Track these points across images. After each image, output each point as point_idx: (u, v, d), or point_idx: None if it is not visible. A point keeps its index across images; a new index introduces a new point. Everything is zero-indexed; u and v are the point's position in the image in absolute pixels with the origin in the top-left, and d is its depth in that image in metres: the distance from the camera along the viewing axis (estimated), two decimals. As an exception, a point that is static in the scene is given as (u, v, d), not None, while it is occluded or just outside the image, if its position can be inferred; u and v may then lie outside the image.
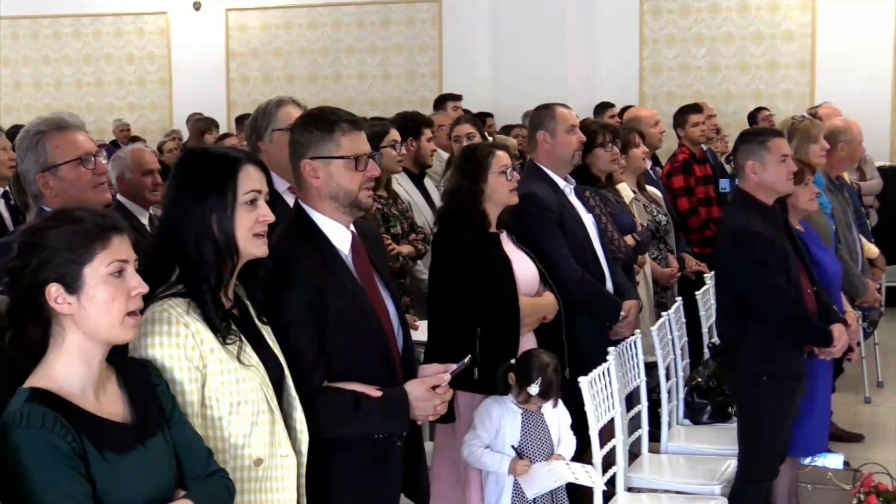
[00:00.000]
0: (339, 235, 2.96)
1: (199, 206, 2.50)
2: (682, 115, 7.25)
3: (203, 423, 2.45)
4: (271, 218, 2.56)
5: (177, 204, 2.55)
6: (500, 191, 4.10)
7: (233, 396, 2.46)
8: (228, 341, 2.47)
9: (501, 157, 4.11)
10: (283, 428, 2.59)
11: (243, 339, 2.52)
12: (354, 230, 3.02)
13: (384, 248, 3.25)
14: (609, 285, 4.70)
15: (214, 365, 2.44)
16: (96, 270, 2.18)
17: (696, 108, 7.42)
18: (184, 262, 2.49)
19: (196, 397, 2.42)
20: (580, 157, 4.80)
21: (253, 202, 2.54)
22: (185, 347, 2.41)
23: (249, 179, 2.54)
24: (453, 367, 2.95)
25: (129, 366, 2.33)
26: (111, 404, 2.23)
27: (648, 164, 6.55)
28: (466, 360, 2.98)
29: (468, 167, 4.13)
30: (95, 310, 2.18)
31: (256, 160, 2.62)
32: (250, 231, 2.54)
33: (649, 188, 6.11)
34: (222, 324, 2.47)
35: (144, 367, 2.35)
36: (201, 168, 2.57)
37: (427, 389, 2.88)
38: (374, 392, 2.82)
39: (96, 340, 2.21)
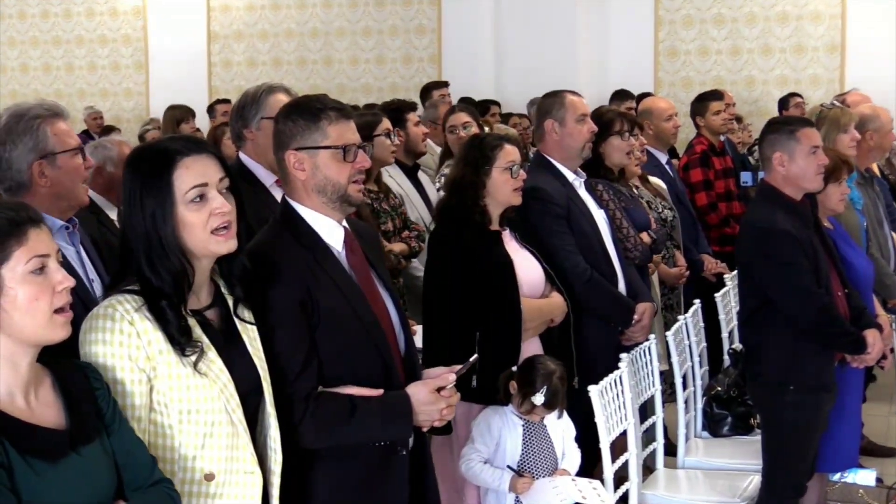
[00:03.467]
0: (331, 231, 2.95)
1: (140, 214, 2.47)
2: (702, 103, 7.23)
3: (154, 430, 2.44)
4: (227, 208, 2.52)
5: (125, 210, 2.53)
6: (503, 189, 4.08)
7: (182, 403, 2.44)
8: (187, 352, 2.45)
9: (509, 152, 4.10)
10: (249, 443, 2.55)
11: (206, 346, 2.49)
12: (347, 226, 3.01)
13: (381, 246, 3.24)
14: (621, 286, 4.69)
15: (162, 368, 2.43)
16: (14, 270, 2.16)
17: (716, 94, 7.40)
18: (139, 276, 2.47)
19: (140, 400, 2.41)
20: (590, 149, 4.78)
21: (201, 197, 2.49)
22: (129, 346, 2.39)
23: (190, 174, 2.48)
24: (458, 367, 2.95)
25: (65, 368, 2.31)
26: (44, 409, 2.21)
27: (664, 157, 6.53)
28: (472, 359, 2.98)
29: (472, 158, 4.13)
30: (19, 312, 2.17)
31: (204, 148, 2.57)
32: (205, 230, 2.49)
33: (653, 179, 6.09)
34: (183, 337, 2.44)
35: (82, 370, 2.33)
36: (140, 168, 2.53)
37: (431, 392, 2.86)
38: (373, 392, 2.81)
39: (24, 343, 2.20)
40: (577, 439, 4.03)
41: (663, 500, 4.50)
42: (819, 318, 4.25)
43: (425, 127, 6.49)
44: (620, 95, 9.73)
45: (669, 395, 5.21)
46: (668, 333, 4.93)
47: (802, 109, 9.59)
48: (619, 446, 4.21)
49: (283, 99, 3.90)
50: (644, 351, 4.62)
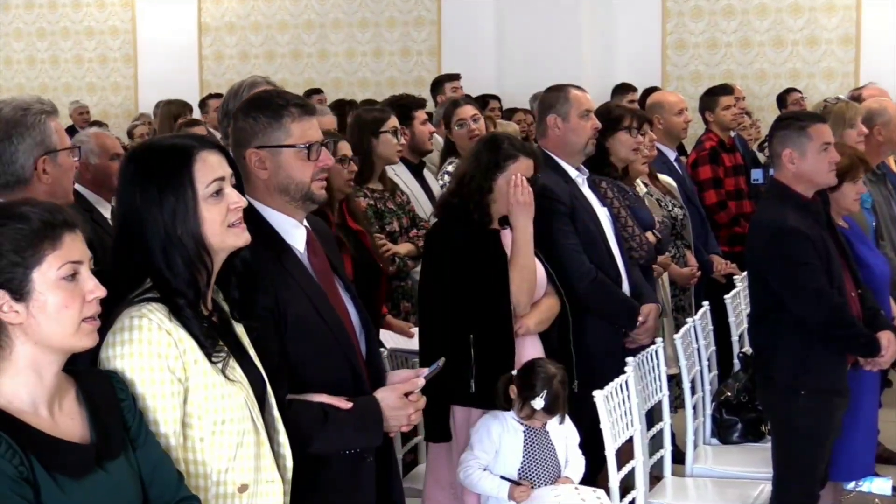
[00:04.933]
0: (293, 232, 2.97)
1: (157, 212, 2.47)
2: (711, 98, 7.23)
3: (183, 444, 2.42)
4: (243, 202, 2.55)
5: (133, 207, 2.51)
6: (503, 201, 4.11)
7: (217, 414, 2.43)
8: (214, 358, 2.45)
9: (522, 166, 4.11)
10: (269, 450, 2.57)
11: (229, 352, 2.51)
12: (309, 226, 3.03)
13: (337, 246, 3.26)
14: (625, 287, 4.71)
15: (198, 378, 2.41)
16: (46, 274, 2.15)
17: (725, 89, 7.40)
18: (155, 276, 2.46)
19: (178, 413, 2.40)
20: (594, 145, 4.80)
21: (218, 192, 2.51)
22: (168, 357, 2.37)
23: (208, 168, 2.50)
24: (425, 371, 2.97)
25: (90, 378, 2.29)
26: (68, 422, 2.20)
27: (672, 154, 6.54)
28: (440, 363, 3.00)
29: (484, 160, 4.15)
30: (47, 318, 2.15)
31: (213, 143, 2.60)
32: (223, 224, 2.51)
33: (662, 177, 6.10)
34: (209, 339, 2.45)
35: (108, 380, 2.31)
36: (152, 166, 2.53)
37: (399, 397, 2.90)
38: (344, 403, 2.83)
39: (50, 351, 2.18)
40: (581, 445, 4.03)
41: (671, 509, 4.51)
42: (831, 319, 4.26)
43: (434, 125, 6.49)
44: (622, 89, 9.73)
45: (677, 401, 5.22)
46: (676, 337, 4.93)
47: (802, 105, 9.59)
48: (624, 453, 4.21)
49: None
50: (651, 355, 4.63)
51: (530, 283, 4.13)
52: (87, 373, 2.30)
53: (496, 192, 4.10)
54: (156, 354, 2.37)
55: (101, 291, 2.22)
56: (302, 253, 2.97)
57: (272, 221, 2.95)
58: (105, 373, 2.34)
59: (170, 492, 2.31)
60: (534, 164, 4.19)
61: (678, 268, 5.91)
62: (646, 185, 5.78)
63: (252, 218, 2.88)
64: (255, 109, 2.97)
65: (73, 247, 2.19)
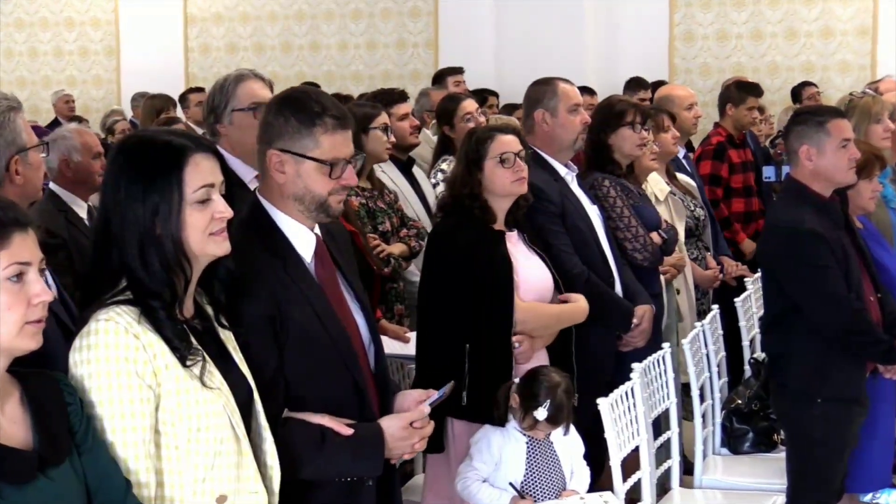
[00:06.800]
0: (302, 239, 2.95)
1: (139, 207, 2.46)
2: (741, 93, 7.17)
3: (157, 453, 2.42)
4: (229, 213, 2.54)
5: (116, 200, 2.50)
6: (498, 181, 4.09)
7: (191, 421, 2.43)
8: (189, 362, 2.44)
9: (501, 143, 4.10)
10: (252, 460, 2.56)
11: (207, 357, 2.50)
12: (319, 233, 3.01)
13: (352, 250, 3.24)
14: (617, 287, 4.70)
15: (170, 383, 2.41)
16: None
17: (756, 90, 7.37)
18: (130, 275, 2.46)
19: (148, 420, 2.39)
20: (583, 140, 4.78)
21: (205, 199, 2.51)
22: (136, 362, 2.37)
23: (199, 173, 2.50)
24: (434, 394, 2.96)
25: (36, 380, 2.28)
26: (10, 426, 2.19)
27: (681, 151, 6.53)
28: (447, 387, 3.00)
29: (465, 153, 4.18)
30: None
31: (207, 146, 2.59)
32: (205, 232, 2.51)
33: (680, 176, 6.09)
34: (182, 343, 2.44)
35: (55, 382, 2.31)
36: (142, 161, 2.52)
37: (405, 426, 2.90)
38: (345, 429, 2.82)
39: None
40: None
41: (679, 522, 4.50)
42: (849, 324, 4.24)
43: (416, 119, 6.48)
44: (633, 84, 9.72)
45: (686, 411, 5.19)
46: (685, 342, 4.91)
47: (817, 99, 9.59)
48: (630, 464, 4.19)
49: (254, 87, 3.89)
50: (658, 361, 4.60)
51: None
52: (33, 375, 2.29)
53: (485, 181, 4.09)
54: (122, 359, 2.36)
55: (48, 296, 2.21)
56: (309, 262, 2.95)
57: (282, 226, 2.93)
58: (52, 375, 2.34)
59: (116, 500, 2.30)
60: (518, 138, 4.17)
61: (701, 270, 5.91)
62: (668, 184, 5.76)
63: (261, 220, 2.92)
64: (288, 108, 2.93)
65: (23, 247, 2.19)
